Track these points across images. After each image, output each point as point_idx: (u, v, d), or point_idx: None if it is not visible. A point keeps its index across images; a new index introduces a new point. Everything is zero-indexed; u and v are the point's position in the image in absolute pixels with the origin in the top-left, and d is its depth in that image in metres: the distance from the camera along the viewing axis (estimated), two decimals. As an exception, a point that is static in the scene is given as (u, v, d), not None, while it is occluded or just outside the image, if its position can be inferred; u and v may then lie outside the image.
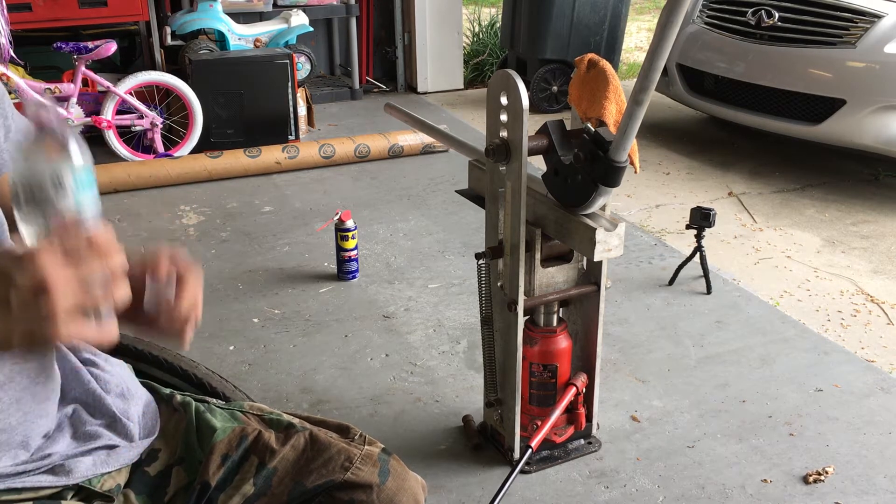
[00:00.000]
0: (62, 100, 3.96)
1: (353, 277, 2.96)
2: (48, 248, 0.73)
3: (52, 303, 0.72)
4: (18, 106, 1.08)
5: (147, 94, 4.20)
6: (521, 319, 1.85)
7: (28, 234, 0.80)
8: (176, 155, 4.09)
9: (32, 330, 0.73)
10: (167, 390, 1.14)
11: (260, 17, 5.03)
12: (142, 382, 1.13)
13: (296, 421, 1.11)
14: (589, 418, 2.04)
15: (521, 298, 1.81)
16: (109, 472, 1.00)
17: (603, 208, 1.74)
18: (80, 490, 0.99)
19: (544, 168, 1.76)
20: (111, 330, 0.79)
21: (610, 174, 1.59)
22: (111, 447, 1.01)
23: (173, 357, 1.26)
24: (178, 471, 1.04)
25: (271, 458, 1.05)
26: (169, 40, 4.60)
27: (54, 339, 0.74)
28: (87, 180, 0.80)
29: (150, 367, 1.23)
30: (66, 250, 0.74)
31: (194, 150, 4.15)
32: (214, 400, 1.14)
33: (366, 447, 1.08)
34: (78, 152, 0.79)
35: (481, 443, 2.06)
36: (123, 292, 0.78)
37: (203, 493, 1.02)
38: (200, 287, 0.96)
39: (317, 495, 1.04)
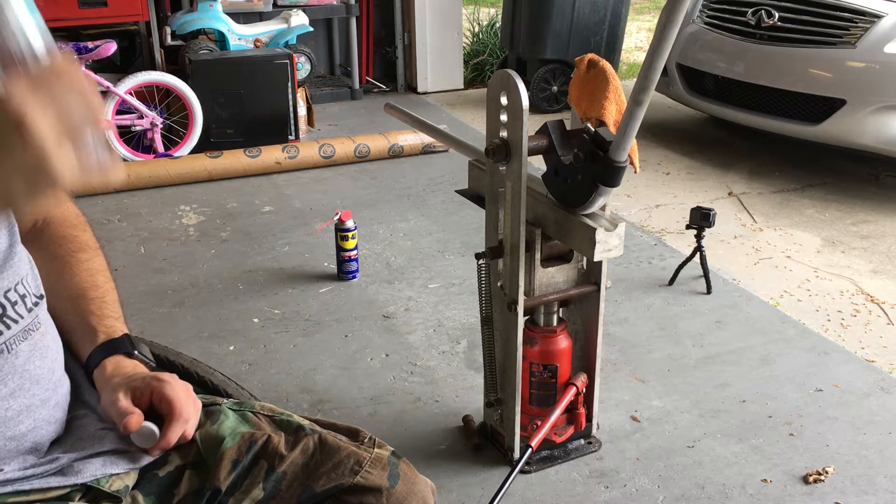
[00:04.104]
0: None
1: (353, 277, 2.96)
2: (12, 81, 0.66)
3: (36, 134, 0.65)
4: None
5: (147, 94, 4.20)
6: (521, 319, 1.85)
7: None
8: (176, 155, 4.09)
9: (29, 175, 0.67)
10: None
11: (260, 17, 5.03)
12: None
13: (305, 423, 1.10)
14: (589, 418, 2.04)
15: (521, 298, 1.81)
16: (118, 473, 1.00)
17: (603, 208, 1.74)
18: (88, 490, 0.99)
19: (544, 168, 1.76)
20: (112, 163, 0.72)
21: (610, 174, 1.59)
22: (121, 451, 1.01)
23: (189, 363, 1.25)
24: (190, 474, 1.04)
25: (280, 463, 1.04)
26: (169, 40, 4.60)
27: (54, 179, 0.67)
28: (28, 5, 0.72)
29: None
30: (32, 80, 0.67)
31: (194, 150, 4.15)
32: (226, 400, 1.14)
33: (375, 450, 1.08)
34: None
35: (481, 443, 2.06)
36: (104, 120, 0.72)
37: (213, 498, 1.02)
38: (182, 427, 1.02)
39: (326, 499, 1.04)
